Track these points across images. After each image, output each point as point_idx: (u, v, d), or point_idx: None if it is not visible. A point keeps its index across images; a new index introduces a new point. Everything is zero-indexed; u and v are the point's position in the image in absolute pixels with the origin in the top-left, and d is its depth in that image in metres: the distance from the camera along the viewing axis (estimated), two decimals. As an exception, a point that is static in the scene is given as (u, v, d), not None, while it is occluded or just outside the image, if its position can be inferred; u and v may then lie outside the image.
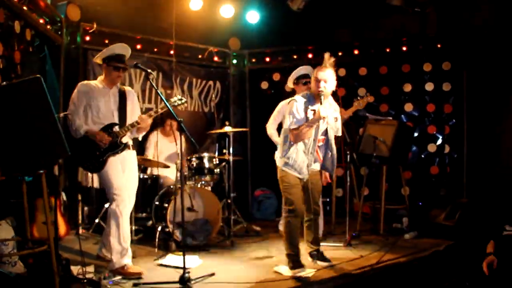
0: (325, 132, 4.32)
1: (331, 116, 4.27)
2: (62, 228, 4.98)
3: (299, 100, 4.15)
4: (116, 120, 4.26)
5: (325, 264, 4.45)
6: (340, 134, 4.46)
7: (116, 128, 4.23)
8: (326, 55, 4.16)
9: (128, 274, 4.03)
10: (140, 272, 4.08)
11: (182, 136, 5.56)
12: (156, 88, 3.98)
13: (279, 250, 5.05)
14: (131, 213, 5.03)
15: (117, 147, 4.23)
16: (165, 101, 3.94)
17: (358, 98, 5.65)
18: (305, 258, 4.46)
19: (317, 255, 4.54)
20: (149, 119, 4.26)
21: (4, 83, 3.30)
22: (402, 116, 7.12)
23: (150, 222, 5.57)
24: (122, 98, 4.33)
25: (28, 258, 3.69)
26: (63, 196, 5.45)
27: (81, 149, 4.14)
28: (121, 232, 4.14)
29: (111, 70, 4.21)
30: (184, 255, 3.73)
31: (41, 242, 3.70)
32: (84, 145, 4.12)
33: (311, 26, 7.33)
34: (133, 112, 4.39)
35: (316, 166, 4.42)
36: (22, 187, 3.66)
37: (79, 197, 5.91)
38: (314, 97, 4.17)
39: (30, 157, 3.20)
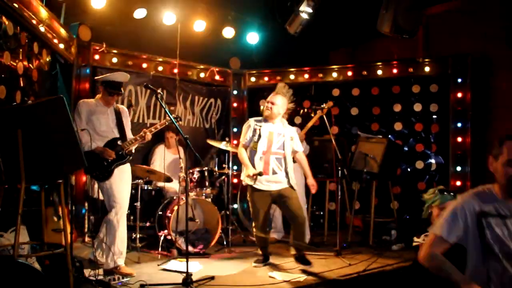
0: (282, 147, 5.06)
1: (287, 135, 5.06)
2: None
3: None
4: (117, 135, 4.76)
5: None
6: (299, 149, 5.22)
7: (120, 142, 4.72)
8: (281, 84, 5.21)
9: (122, 274, 4.49)
10: (131, 273, 4.55)
11: (186, 150, 5.98)
12: (165, 107, 4.37)
13: (274, 258, 5.40)
14: (135, 222, 5.42)
15: (123, 158, 4.71)
16: (173, 119, 4.34)
17: (321, 106, 6.06)
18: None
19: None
20: (150, 134, 4.78)
21: (30, 101, 3.67)
22: (391, 135, 7.46)
23: (152, 231, 5.90)
24: (118, 115, 4.84)
25: (44, 260, 4.02)
26: (67, 204, 5.77)
27: (88, 160, 4.41)
28: (120, 237, 4.62)
29: (106, 94, 4.73)
30: (187, 260, 4.07)
31: (57, 245, 4.05)
32: (92, 156, 4.52)
33: (307, 48, 7.75)
34: (128, 127, 4.94)
35: None
36: (40, 195, 4.02)
37: (86, 207, 6.25)
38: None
39: (51, 168, 3.57)
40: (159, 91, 4.38)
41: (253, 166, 4.93)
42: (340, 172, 5.71)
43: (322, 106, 5.99)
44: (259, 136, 4.97)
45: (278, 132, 5.05)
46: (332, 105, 6.07)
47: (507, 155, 2.37)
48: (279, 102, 5.03)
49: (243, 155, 5.03)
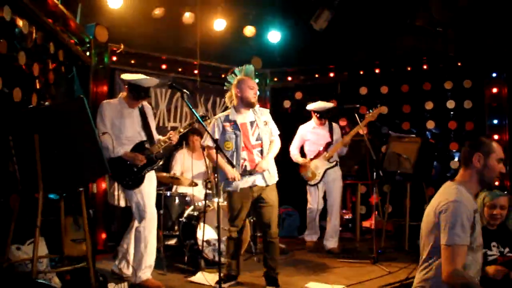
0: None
1: (261, 121, 4.41)
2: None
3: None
4: (144, 138, 4.38)
5: None
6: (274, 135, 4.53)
7: (148, 145, 4.35)
8: (251, 67, 4.47)
9: (150, 287, 4.20)
10: (160, 285, 4.25)
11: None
12: (191, 107, 3.99)
13: (308, 267, 5.10)
14: (159, 231, 5.11)
15: (153, 162, 4.34)
16: (200, 120, 4.05)
17: (370, 110, 5.77)
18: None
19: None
20: (177, 135, 4.44)
21: (47, 103, 3.40)
22: (424, 134, 7.12)
23: (175, 240, 5.60)
24: (143, 115, 4.46)
25: (65, 275, 3.74)
26: (90, 214, 5.51)
27: (117, 166, 4.18)
28: (150, 249, 4.26)
29: (131, 96, 4.36)
30: (220, 273, 3.76)
31: (78, 259, 3.77)
32: (120, 162, 4.19)
33: (332, 45, 7.40)
34: (153, 127, 4.55)
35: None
36: (60, 204, 3.74)
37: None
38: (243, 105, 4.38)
39: (71, 175, 3.28)
40: (184, 90, 4.02)
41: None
42: (374, 174, 5.37)
43: (373, 109, 5.72)
44: (233, 132, 4.34)
45: (251, 121, 4.40)
46: (385, 111, 5.71)
47: (500, 154, 2.66)
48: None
49: (213, 158, 4.26)
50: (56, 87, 5.00)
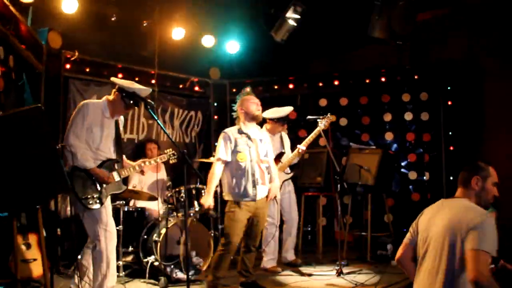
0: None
1: (267, 140, 4.72)
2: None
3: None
4: (114, 155, 4.04)
5: None
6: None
7: (117, 166, 4.04)
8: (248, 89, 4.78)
9: None
10: None
11: (165, 167, 5.49)
12: (157, 118, 3.68)
13: (273, 282, 4.98)
14: (118, 248, 4.84)
15: (120, 188, 4.07)
16: (165, 130, 3.86)
17: (323, 120, 5.56)
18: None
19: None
20: (149, 165, 4.33)
21: (0, 112, 3.11)
22: (383, 145, 7.18)
23: (132, 257, 5.34)
24: (117, 130, 4.13)
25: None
26: (43, 232, 5.16)
27: (79, 178, 3.81)
28: (112, 271, 3.94)
29: (122, 104, 3.97)
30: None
31: (28, 282, 3.48)
32: (84, 174, 3.82)
33: (291, 56, 7.40)
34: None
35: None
36: (11, 222, 3.44)
37: (58, 232, 5.61)
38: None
39: (28, 192, 3.00)
40: (149, 101, 3.80)
41: (249, 177, 4.39)
42: (339, 186, 5.32)
43: (321, 119, 5.50)
44: (246, 144, 4.44)
45: (260, 138, 4.60)
46: (334, 120, 5.63)
47: (495, 178, 2.82)
48: None
49: (216, 174, 4.39)
50: (6, 95, 4.67)
